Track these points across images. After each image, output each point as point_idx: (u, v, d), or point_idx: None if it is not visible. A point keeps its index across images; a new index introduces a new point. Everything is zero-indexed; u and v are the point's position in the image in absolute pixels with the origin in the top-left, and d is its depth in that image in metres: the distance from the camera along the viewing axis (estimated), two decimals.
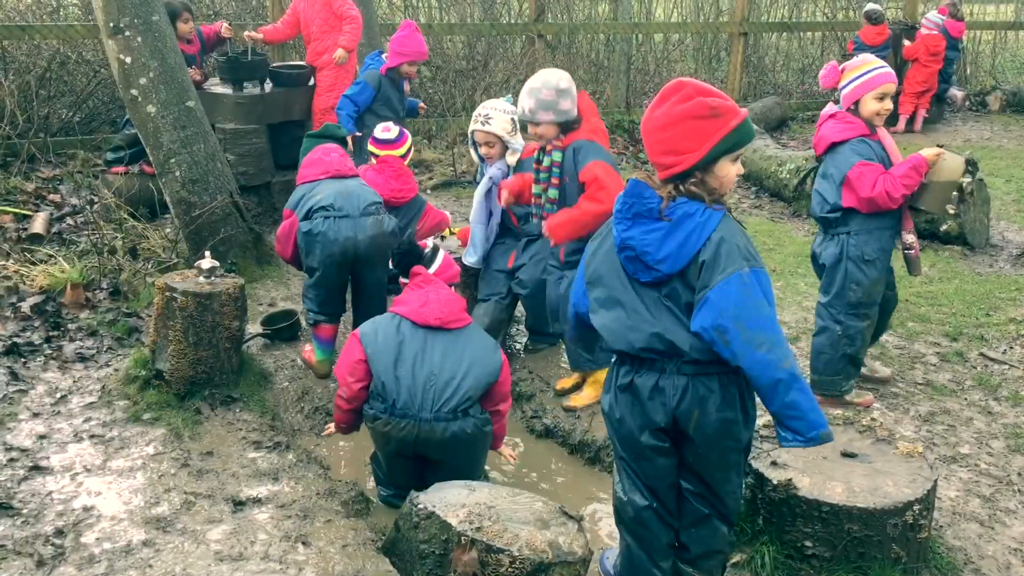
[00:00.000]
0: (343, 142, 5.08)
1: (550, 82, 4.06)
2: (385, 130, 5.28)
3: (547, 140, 4.15)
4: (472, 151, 4.94)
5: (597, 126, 4.20)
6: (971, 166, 3.90)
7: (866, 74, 4.12)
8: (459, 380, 3.50)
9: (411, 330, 3.59)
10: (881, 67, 4.15)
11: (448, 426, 3.47)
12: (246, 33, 7.43)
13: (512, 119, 4.73)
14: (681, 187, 2.59)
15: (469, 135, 4.86)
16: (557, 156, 4.14)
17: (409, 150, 5.37)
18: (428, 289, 3.70)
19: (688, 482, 2.79)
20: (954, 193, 3.97)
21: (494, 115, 4.71)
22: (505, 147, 4.78)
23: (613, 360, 2.80)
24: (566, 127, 4.12)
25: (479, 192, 4.86)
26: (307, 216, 4.48)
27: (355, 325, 4.74)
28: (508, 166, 4.80)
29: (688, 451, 2.73)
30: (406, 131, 5.42)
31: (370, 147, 5.37)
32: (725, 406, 2.64)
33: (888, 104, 4.16)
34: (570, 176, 4.12)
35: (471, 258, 4.94)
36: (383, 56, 6.75)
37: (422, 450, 3.53)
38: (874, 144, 4.15)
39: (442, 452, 3.52)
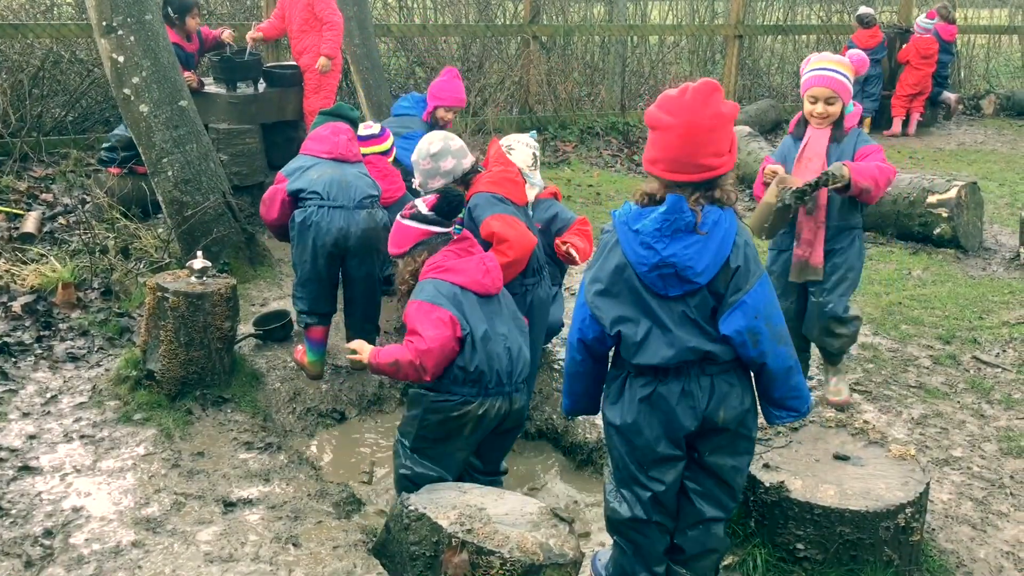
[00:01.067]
0: (355, 124, 5.03)
1: (422, 151, 4.02)
2: (367, 127, 5.23)
3: None
4: None
5: (501, 176, 4.10)
6: (799, 195, 3.86)
7: (805, 75, 4.10)
8: (520, 347, 3.42)
9: (474, 301, 3.35)
10: (817, 70, 4.03)
11: (522, 396, 3.44)
12: (249, 35, 7.43)
13: (534, 154, 4.55)
14: (709, 194, 2.57)
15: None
16: (461, 213, 4.09)
17: (392, 147, 5.32)
18: (481, 255, 3.48)
19: (695, 482, 2.80)
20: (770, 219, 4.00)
21: (516, 147, 4.47)
22: (523, 182, 4.55)
23: (622, 374, 2.76)
24: (464, 182, 4.06)
25: None
26: (298, 196, 4.47)
27: (347, 323, 4.72)
28: (526, 202, 4.61)
29: (705, 448, 2.76)
30: (388, 129, 5.36)
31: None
32: (743, 397, 2.73)
33: (820, 108, 4.02)
34: (473, 234, 3.94)
35: None
36: (411, 95, 6.42)
37: (503, 425, 3.42)
38: (794, 143, 4.18)
39: (515, 423, 3.48)
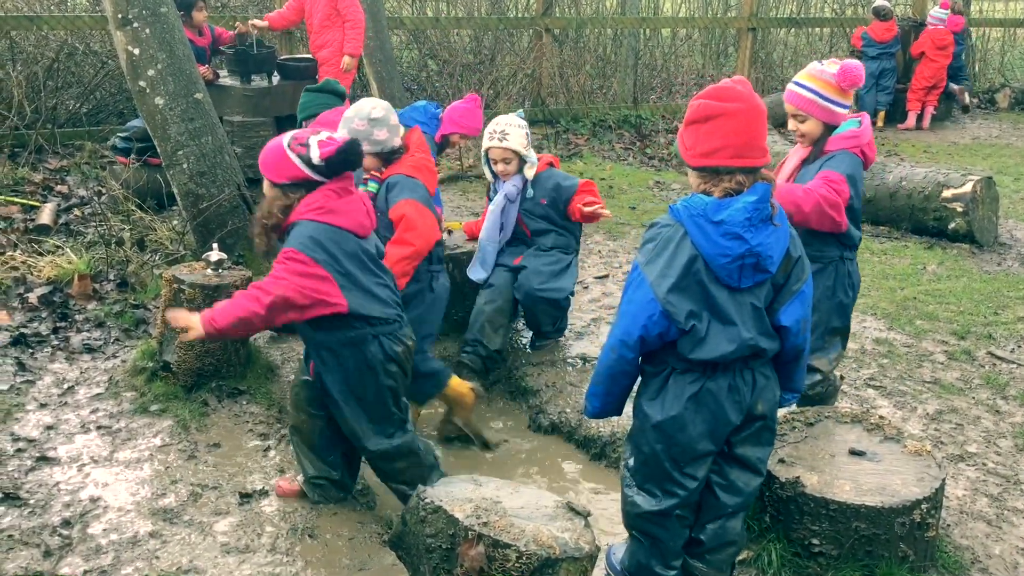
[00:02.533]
0: (341, 98, 5.03)
1: (363, 111, 3.94)
2: None
3: (367, 170, 4.08)
4: (486, 169, 4.85)
5: (423, 163, 4.13)
6: None
7: None
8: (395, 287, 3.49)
9: (354, 243, 3.27)
10: (792, 85, 3.66)
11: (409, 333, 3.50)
12: (251, 22, 7.43)
13: (526, 133, 4.69)
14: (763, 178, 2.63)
15: (483, 153, 4.78)
16: (373, 187, 4.08)
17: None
18: (360, 195, 3.35)
19: (720, 475, 2.83)
20: None
21: (510, 131, 4.64)
22: (522, 162, 4.74)
23: (663, 371, 2.75)
24: (386, 158, 4.07)
25: (493, 211, 4.77)
26: None
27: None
28: (526, 180, 4.75)
29: (735, 440, 2.80)
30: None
31: None
32: (775, 389, 2.83)
33: (793, 125, 3.68)
34: (382, 211, 3.97)
35: (480, 275, 4.83)
36: (424, 106, 6.27)
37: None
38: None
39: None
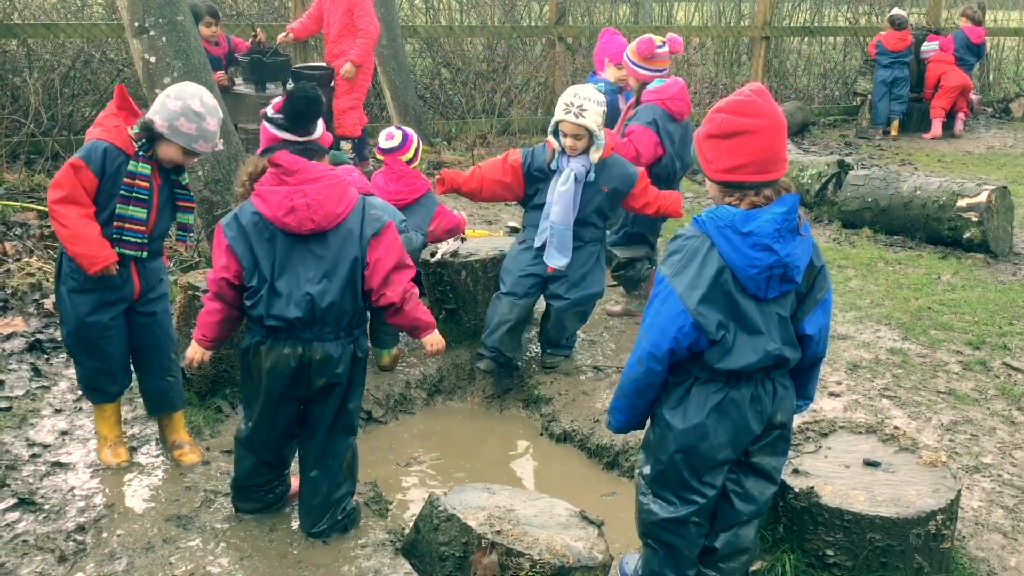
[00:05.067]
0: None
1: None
2: (388, 137, 5.13)
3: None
4: (553, 139, 4.49)
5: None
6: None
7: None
8: (327, 293, 3.11)
9: (277, 236, 3.14)
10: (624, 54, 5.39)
11: (330, 347, 3.19)
12: (280, 37, 7.52)
13: (604, 111, 4.43)
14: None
15: (553, 124, 4.44)
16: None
17: (416, 153, 5.20)
18: (291, 189, 3.09)
19: (736, 484, 2.82)
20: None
21: (588, 106, 4.34)
22: (591, 142, 4.45)
23: (686, 380, 2.75)
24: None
25: (565, 190, 4.46)
26: None
27: (375, 327, 4.71)
28: (591, 163, 4.48)
29: (755, 449, 2.80)
30: (410, 134, 5.19)
31: (377, 154, 5.28)
32: (793, 398, 2.84)
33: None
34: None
35: (561, 260, 4.56)
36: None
37: (312, 381, 3.22)
38: None
39: (326, 378, 3.22)
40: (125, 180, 3.44)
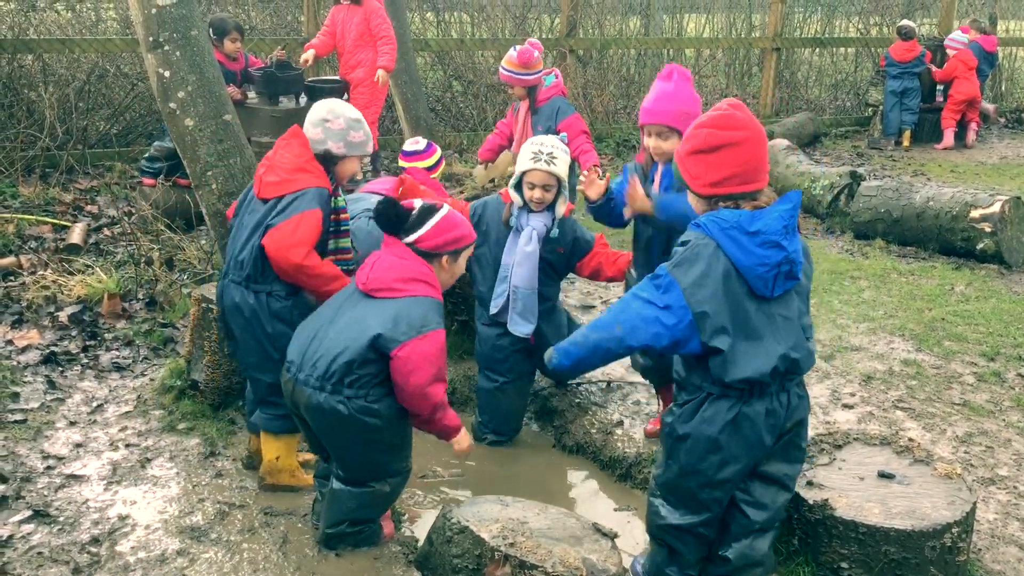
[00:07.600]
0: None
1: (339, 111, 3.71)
2: (414, 143, 5.31)
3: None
4: (514, 193, 4.07)
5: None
6: None
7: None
8: (333, 343, 3.15)
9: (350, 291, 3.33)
10: (500, 68, 5.87)
11: (316, 394, 3.16)
12: (303, 58, 7.59)
13: (569, 160, 4.09)
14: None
15: (517, 176, 4.02)
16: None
17: (438, 163, 5.35)
18: (379, 253, 3.29)
19: (746, 492, 2.81)
20: None
21: (558, 154, 3.97)
22: (558, 194, 4.05)
23: (697, 397, 2.75)
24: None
25: (531, 251, 4.03)
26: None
27: None
28: (554, 219, 4.07)
29: (768, 458, 2.80)
30: (434, 144, 5.40)
31: (400, 161, 5.40)
32: (808, 405, 2.84)
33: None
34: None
35: (526, 329, 4.16)
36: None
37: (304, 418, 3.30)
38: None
39: (313, 417, 3.24)
40: (332, 216, 3.60)
